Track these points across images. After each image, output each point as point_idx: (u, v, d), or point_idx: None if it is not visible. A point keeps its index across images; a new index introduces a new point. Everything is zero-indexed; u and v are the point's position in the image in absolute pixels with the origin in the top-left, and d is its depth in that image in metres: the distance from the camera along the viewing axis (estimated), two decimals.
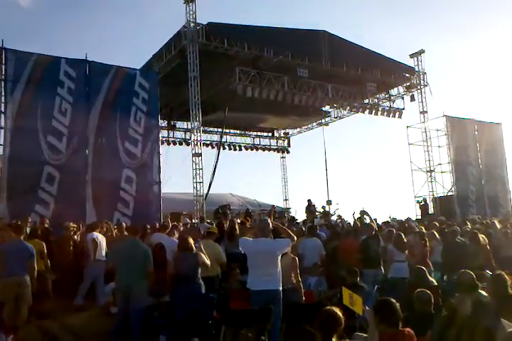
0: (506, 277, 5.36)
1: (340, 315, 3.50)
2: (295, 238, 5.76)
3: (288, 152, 29.75)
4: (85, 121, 12.68)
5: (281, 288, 5.41)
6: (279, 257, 5.45)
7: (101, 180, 12.56)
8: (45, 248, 7.51)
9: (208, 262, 6.53)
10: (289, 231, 5.90)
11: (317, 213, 18.31)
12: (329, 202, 21.15)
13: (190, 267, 6.34)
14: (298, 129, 29.19)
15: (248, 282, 5.54)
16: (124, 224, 9.96)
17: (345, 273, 7.02)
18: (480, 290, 5.29)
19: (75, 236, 8.89)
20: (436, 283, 6.91)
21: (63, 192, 11.93)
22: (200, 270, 6.41)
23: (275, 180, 29.55)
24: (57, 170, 12.04)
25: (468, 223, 12.25)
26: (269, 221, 5.89)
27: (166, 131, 24.46)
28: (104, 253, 8.38)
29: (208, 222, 12.08)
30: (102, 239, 8.60)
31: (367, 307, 4.03)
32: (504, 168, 23.98)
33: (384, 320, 3.78)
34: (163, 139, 22.73)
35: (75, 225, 9.16)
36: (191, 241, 6.66)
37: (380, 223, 12.79)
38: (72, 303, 7.80)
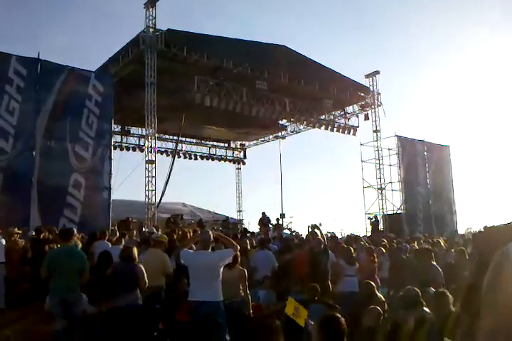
0: (449, 295, 5.46)
1: (278, 327, 3.44)
2: (238, 248, 5.68)
3: (244, 163, 29.81)
4: (34, 121, 12.23)
5: (221, 300, 5.30)
6: (221, 269, 5.37)
7: (47, 183, 12.11)
8: None
9: (146, 279, 6.28)
10: (232, 241, 5.83)
11: (270, 226, 18.30)
12: (283, 216, 21.24)
13: (128, 278, 6.12)
14: (254, 141, 29.31)
15: (189, 293, 5.43)
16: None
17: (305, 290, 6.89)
18: (424, 307, 5.35)
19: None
20: (383, 299, 6.97)
21: (6, 194, 11.40)
22: (141, 281, 6.18)
23: (230, 191, 29.48)
24: (0, 171, 11.50)
25: (414, 241, 12.52)
26: (210, 232, 5.83)
27: (120, 136, 23.96)
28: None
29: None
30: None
31: (311, 322, 3.97)
32: (451, 189, 24.94)
33: (329, 336, 3.73)
34: (116, 144, 22.24)
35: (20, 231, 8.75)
36: (134, 251, 6.43)
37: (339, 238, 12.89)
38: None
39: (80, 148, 12.85)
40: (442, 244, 11.73)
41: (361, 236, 15.50)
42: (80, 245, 7.93)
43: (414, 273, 8.33)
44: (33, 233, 9.51)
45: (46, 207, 11.97)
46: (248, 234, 14.10)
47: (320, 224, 9.85)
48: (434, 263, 8.80)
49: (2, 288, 7.56)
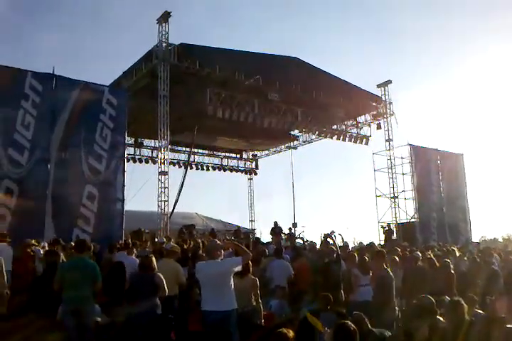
0: (464, 303, 5.42)
1: (291, 336, 3.46)
2: (250, 255, 5.67)
3: (255, 174, 29.87)
4: (49, 135, 12.42)
5: (233, 309, 5.30)
6: (230, 277, 5.36)
7: (62, 195, 12.26)
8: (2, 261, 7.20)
9: (166, 287, 6.34)
10: (245, 249, 5.82)
11: (282, 235, 18.27)
12: (295, 225, 21.18)
13: (148, 287, 6.18)
14: (266, 151, 29.40)
15: (201, 303, 5.44)
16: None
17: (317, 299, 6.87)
18: (438, 316, 5.31)
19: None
20: (397, 308, 6.93)
21: (21, 206, 11.55)
22: (158, 290, 6.25)
23: (242, 201, 29.53)
24: (16, 184, 11.69)
25: (429, 250, 12.41)
26: (217, 242, 5.83)
27: (133, 149, 24.22)
28: None
29: (173, 243, 11.88)
30: None
31: (327, 329, 4.00)
32: (465, 197, 24.68)
33: None
34: (129, 156, 22.50)
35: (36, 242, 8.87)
36: (153, 260, 6.50)
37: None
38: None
39: (94, 160, 13.01)
40: (457, 252, 11.62)
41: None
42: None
43: (428, 282, 8.29)
44: (46, 244, 9.64)
45: (60, 218, 12.11)
46: (260, 244, 14.11)
47: (332, 232, 9.81)
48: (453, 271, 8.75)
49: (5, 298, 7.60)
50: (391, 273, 7.61)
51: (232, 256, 6.52)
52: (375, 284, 7.71)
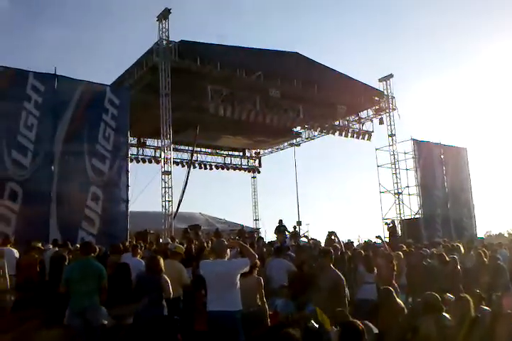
0: (470, 299, 5.41)
1: (298, 336, 3.46)
2: (256, 257, 5.66)
3: (259, 172, 29.84)
4: (52, 136, 12.43)
5: (239, 309, 5.30)
6: (237, 277, 5.36)
7: (66, 196, 12.28)
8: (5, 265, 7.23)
9: (171, 290, 6.34)
10: (252, 250, 5.81)
11: (287, 233, 18.23)
12: (299, 223, 21.15)
13: (154, 288, 6.18)
14: (269, 149, 29.35)
15: (207, 303, 5.44)
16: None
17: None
18: (444, 313, 5.30)
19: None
20: (403, 305, 6.90)
21: (26, 208, 11.58)
22: (166, 292, 6.25)
23: (245, 200, 29.54)
24: (20, 186, 11.70)
25: (434, 246, 12.39)
26: (224, 241, 5.80)
27: (136, 149, 24.24)
28: None
29: (177, 243, 11.86)
30: None
31: (334, 328, 4.00)
32: (469, 192, 24.59)
33: None
34: (132, 156, 22.52)
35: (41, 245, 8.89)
36: (161, 261, 6.49)
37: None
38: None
39: (97, 161, 13.01)
40: (462, 248, 11.57)
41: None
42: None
43: (434, 279, 8.27)
44: (50, 246, 9.66)
45: (65, 220, 12.13)
46: (267, 243, 14.09)
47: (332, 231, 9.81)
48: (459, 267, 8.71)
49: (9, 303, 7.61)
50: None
51: (237, 255, 6.51)
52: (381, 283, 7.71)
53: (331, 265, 6.82)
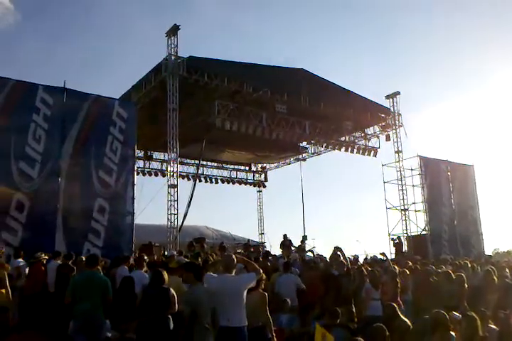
0: (477, 318, 5.35)
1: None
2: (261, 271, 5.63)
3: (264, 186, 29.83)
4: (59, 148, 12.50)
5: (244, 325, 5.25)
6: (244, 293, 5.32)
7: (72, 208, 12.31)
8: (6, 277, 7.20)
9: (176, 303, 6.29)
10: (256, 265, 5.78)
11: (292, 248, 18.13)
12: (305, 238, 21.02)
13: (160, 302, 6.13)
14: (275, 164, 29.37)
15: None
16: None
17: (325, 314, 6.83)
18: (451, 331, 5.24)
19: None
20: (409, 323, 6.81)
21: (32, 219, 11.61)
22: (173, 305, 6.20)
23: (251, 214, 29.45)
24: (27, 197, 11.75)
25: (442, 263, 12.25)
26: (233, 256, 5.78)
27: (142, 161, 24.34)
28: None
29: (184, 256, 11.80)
30: None
31: None
32: (476, 209, 24.38)
33: None
34: (139, 169, 22.60)
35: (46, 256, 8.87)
36: (165, 274, 6.46)
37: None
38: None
39: (104, 173, 13.04)
40: (469, 265, 11.45)
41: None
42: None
43: (440, 297, 8.17)
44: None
45: (71, 231, 12.10)
46: (270, 257, 14.01)
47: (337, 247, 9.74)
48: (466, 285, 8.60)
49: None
50: None
51: (243, 270, 6.47)
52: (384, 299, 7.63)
53: None
